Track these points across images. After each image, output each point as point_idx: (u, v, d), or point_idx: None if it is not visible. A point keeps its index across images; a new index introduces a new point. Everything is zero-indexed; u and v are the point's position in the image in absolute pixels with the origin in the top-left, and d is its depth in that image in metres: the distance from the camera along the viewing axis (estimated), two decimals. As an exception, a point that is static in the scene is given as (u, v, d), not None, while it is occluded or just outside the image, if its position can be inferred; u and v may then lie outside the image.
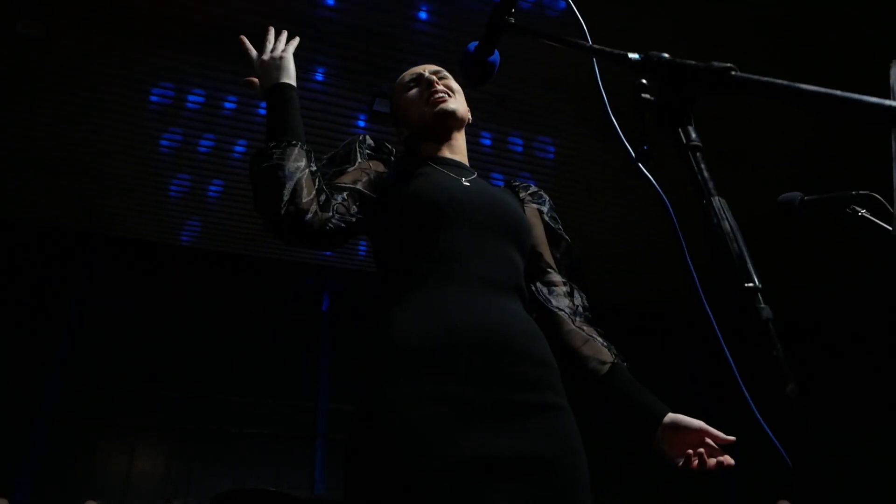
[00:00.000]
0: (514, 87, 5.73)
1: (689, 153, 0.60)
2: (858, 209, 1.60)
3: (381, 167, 1.30)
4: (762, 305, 0.49)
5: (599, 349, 1.21)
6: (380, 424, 0.96)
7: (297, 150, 1.11)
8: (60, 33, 4.94)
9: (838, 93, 0.44)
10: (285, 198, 1.06)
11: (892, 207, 1.11)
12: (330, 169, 1.25)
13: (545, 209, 1.40)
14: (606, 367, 1.18)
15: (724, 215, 0.54)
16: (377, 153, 1.33)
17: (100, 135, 5.77)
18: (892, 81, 1.15)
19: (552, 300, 1.28)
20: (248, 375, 6.55)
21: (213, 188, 6.42)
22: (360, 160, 1.26)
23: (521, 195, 1.42)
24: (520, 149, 6.32)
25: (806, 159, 6.24)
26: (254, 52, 1.28)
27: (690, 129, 0.61)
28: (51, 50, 5.02)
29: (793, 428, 0.44)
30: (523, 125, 6.09)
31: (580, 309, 1.29)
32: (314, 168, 1.14)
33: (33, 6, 4.74)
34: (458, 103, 1.37)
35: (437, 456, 0.91)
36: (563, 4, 5.27)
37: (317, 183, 1.12)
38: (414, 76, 1.42)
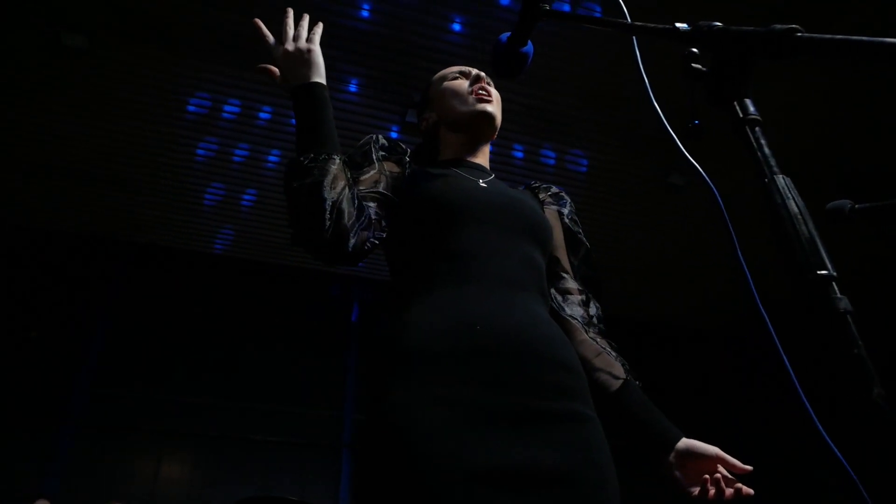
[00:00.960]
0: (545, 98, 5.68)
1: (748, 127, 0.53)
2: (913, 219, 1.49)
3: (395, 168, 1.23)
4: (839, 296, 0.41)
5: (612, 363, 1.14)
6: (388, 430, 0.89)
7: (336, 165, 1.03)
8: (102, 44, 5.03)
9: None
10: (328, 222, 0.99)
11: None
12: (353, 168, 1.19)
13: (566, 211, 1.34)
14: (619, 382, 1.12)
15: (789, 195, 0.47)
16: (391, 154, 1.26)
17: (135, 144, 5.85)
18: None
19: (566, 307, 1.22)
20: (275, 384, 6.54)
21: (246, 197, 6.47)
22: (376, 163, 1.19)
23: (540, 196, 1.36)
24: (552, 161, 6.25)
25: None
26: (271, 38, 1.18)
27: (748, 102, 0.54)
28: (91, 61, 5.12)
29: (883, 443, 0.36)
30: (556, 136, 6.02)
31: (594, 319, 1.22)
32: (351, 184, 1.07)
33: (76, 18, 4.84)
34: (498, 110, 1.32)
35: (446, 464, 0.83)
36: (597, 16, 5.21)
37: (356, 202, 1.05)
38: (461, 69, 1.38)
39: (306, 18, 1.19)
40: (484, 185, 1.21)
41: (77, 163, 6.00)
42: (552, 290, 1.22)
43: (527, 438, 0.88)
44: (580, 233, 1.31)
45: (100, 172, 6.10)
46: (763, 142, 0.50)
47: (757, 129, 0.51)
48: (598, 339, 1.17)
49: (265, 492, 6.00)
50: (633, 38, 0.77)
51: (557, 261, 1.26)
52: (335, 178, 1.02)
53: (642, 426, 1.07)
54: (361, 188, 1.13)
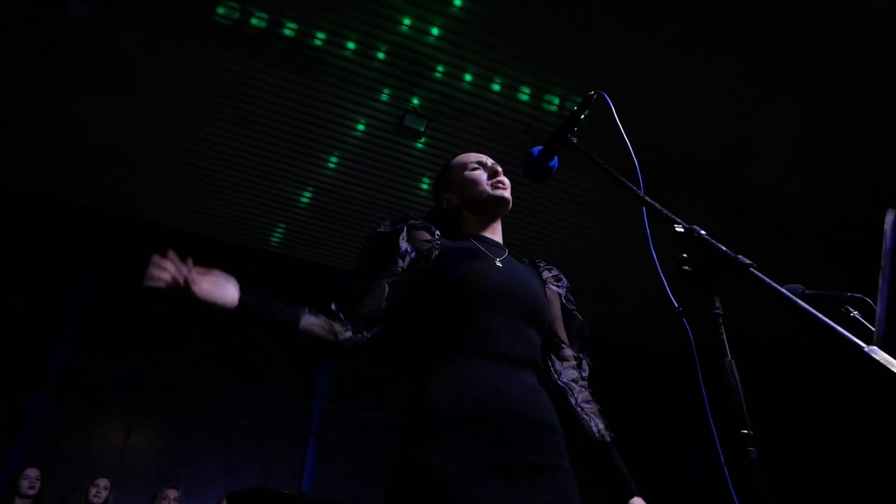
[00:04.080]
0: (535, 117, 5.98)
1: (714, 319, 0.82)
2: (851, 310, 1.82)
3: (424, 235, 1.51)
4: (751, 448, 0.71)
5: (595, 423, 1.48)
6: (418, 473, 1.21)
7: (304, 317, 1.37)
8: (110, 18, 5.18)
9: (824, 320, 0.67)
10: (327, 349, 1.36)
11: (874, 326, 1.33)
12: (372, 257, 1.48)
13: (563, 292, 1.67)
14: (599, 440, 1.46)
15: (733, 374, 0.77)
16: (418, 228, 1.53)
17: (136, 120, 6.01)
18: (885, 227, 1.37)
19: (563, 374, 1.55)
20: (248, 369, 6.76)
21: (236, 181, 6.65)
22: (401, 245, 1.46)
23: (543, 276, 1.66)
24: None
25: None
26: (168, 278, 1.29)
27: (716, 299, 0.84)
28: (98, 34, 5.26)
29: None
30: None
31: (583, 383, 1.56)
32: (323, 317, 1.39)
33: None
34: (510, 193, 1.60)
35: (463, 503, 1.14)
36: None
37: (343, 315, 1.39)
38: (478, 160, 1.66)
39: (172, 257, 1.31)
40: (500, 264, 1.51)
41: (69, 133, 6.14)
42: (552, 357, 1.55)
43: (519, 485, 1.20)
44: (574, 310, 1.65)
45: (92, 144, 6.25)
46: (722, 330, 0.80)
47: (719, 320, 0.81)
48: (586, 406, 1.50)
49: (231, 473, 6.25)
50: (643, 208, 1.05)
51: (556, 332, 1.60)
52: (308, 328, 1.38)
53: (610, 475, 1.42)
54: (374, 282, 1.43)
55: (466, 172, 1.64)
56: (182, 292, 1.28)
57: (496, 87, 5.82)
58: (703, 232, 0.88)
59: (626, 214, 6.81)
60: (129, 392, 6.30)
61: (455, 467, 1.18)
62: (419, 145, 6.33)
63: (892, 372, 0.65)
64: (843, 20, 4.93)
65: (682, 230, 0.90)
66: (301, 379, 7.03)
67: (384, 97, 5.92)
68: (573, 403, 1.48)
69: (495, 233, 1.64)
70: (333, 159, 6.47)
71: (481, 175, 1.62)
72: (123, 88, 5.74)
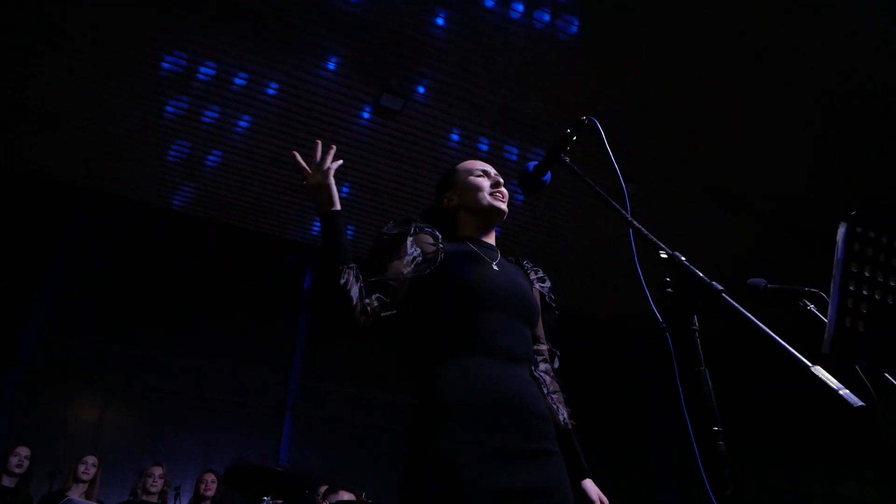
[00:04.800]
0: (516, 100, 6.12)
1: (692, 334, 1.00)
2: (808, 303, 2.03)
3: (428, 239, 1.66)
4: (721, 443, 0.89)
5: (561, 412, 1.71)
6: (432, 457, 1.39)
7: (352, 273, 1.48)
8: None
9: (782, 343, 0.84)
10: (351, 313, 1.45)
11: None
12: (380, 257, 1.61)
13: (546, 291, 1.86)
14: (563, 426, 1.68)
15: (707, 381, 0.95)
16: (423, 231, 1.68)
17: (107, 94, 5.98)
18: (837, 238, 1.56)
19: (540, 366, 1.76)
20: (225, 344, 6.87)
21: (211, 158, 6.67)
22: (408, 249, 1.61)
23: (531, 276, 1.84)
24: (514, 157, 6.72)
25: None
26: (304, 165, 1.60)
27: (695, 317, 1.01)
28: (70, 5, 5.21)
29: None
30: (521, 135, 6.49)
31: (553, 374, 1.79)
32: (363, 286, 1.51)
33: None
34: (506, 206, 1.76)
35: (475, 484, 1.34)
36: (574, 29, 5.66)
37: (365, 296, 1.50)
38: (483, 168, 1.82)
39: (332, 151, 1.62)
40: (496, 268, 1.68)
41: (43, 107, 6.08)
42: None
43: (520, 469, 1.39)
44: (555, 306, 1.85)
45: (66, 119, 6.20)
46: (698, 343, 0.98)
47: (696, 335, 0.98)
48: (554, 396, 1.71)
49: (207, 448, 6.39)
50: (630, 230, 1.22)
51: (537, 329, 1.79)
52: (354, 281, 1.47)
53: (569, 458, 1.62)
54: (387, 276, 1.56)
55: (471, 177, 1.79)
56: (320, 171, 1.56)
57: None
58: (683, 258, 1.05)
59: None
60: (105, 368, 6.35)
61: (464, 452, 1.35)
62: (395, 123, 6.42)
63: (830, 386, 0.83)
64: (835, 14, 5.17)
65: (665, 255, 1.07)
66: (277, 354, 7.16)
67: (361, 75, 5.99)
68: (545, 393, 1.67)
69: (489, 236, 1.81)
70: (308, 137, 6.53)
71: (484, 182, 1.77)
72: (97, 65, 5.70)
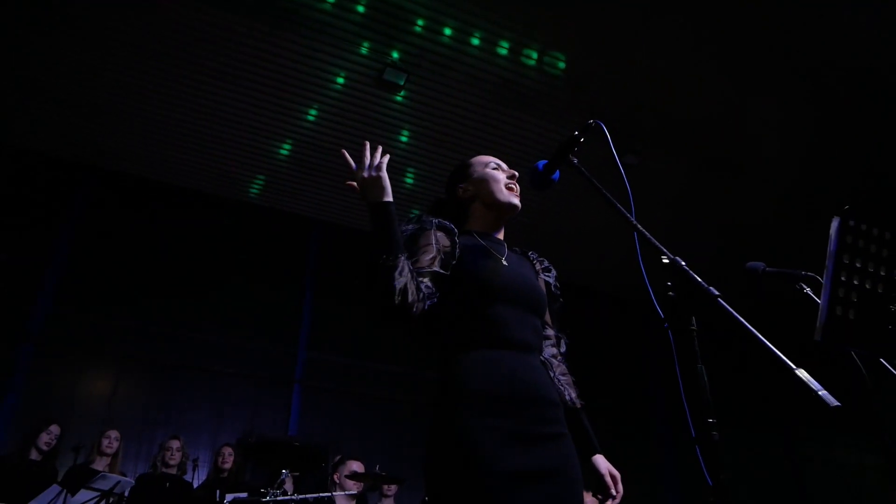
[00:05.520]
0: (518, 73, 6.17)
1: (691, 334, 1.11)
2: (805, 287, 2.13)
3: (446, 241, 1.75)
4: (714, 433, 1.01)
5: (570, 393, 1.83)
6: (455, 439, 1.52)
7: (402, 261, 1.56)
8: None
9: (769, 346, 0.95)
10: (398, 299, 1.51)
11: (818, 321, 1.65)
12: (411, 251, 1.69)
13: (551, 280, 1.97)
14: (571, 407, 1.80)
15: (703, 376, 1.06)
16: (442, 228, 1.77)
17: (112, 70, 6.02)
18: (830, 231, 1.67)
19: (545, 351, 1.87)
20: (233, 317, 7.03)
21: (215, 132, 6.74)
22: (433, 243, 1.71)
23: (537, 267, 1.95)
24: (512, 132, 6.79)
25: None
26: (353, 164, 1.68)
27: (693, 318, 1.12)
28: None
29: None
30: (524, 108, 6.55)
31: (561, 358, 1.90)
32: (412, 272, 1.59)
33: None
34: (520, 202, 1.85)
35: (494, 466, 1.46)
36: (578, 1, 5.66)
37: (416, 282, 1.58)
38: (497, 163, 1.91)
39: (379, 149, 1.68)
40: (506, 262, 1.79)
41: (50, 83, 6.14)
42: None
43: (534, 451, 1.52)
44: (559, 294, 1.96)
45: (71, 96, 6.26)
46: (696, 342, 1.08)
47: (694, 335, 1.09)
48: (562, 378, 1.83)
49: (217, 419, 6.59)
50: (634, 234, 1.32)
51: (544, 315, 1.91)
52: (401, 271, 1.56)
53: (579, 435, 1.75)
54: (421, 267, 1.65)
55: (487, 169, 1.89)
56: (372, 169, 1.62)
57: (475, 42, 5.96)
58: (683, 263, 1.16)
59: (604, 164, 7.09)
60: (116, 343, 6.52)
61: (484, 435, 1.48)
62: (399, 98, 6.47)
63: (810, 388, 0.94)
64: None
65: (667, 261, 1.17)
66: (285, 328, 7.33)
67: (364, 50, 6.02)
68: (552, 376, 1.79)
69: (499, 231, 1.91)
70: (313, 112, 6.59)
71: (501, 175, 1.87)
72: (102, 41, 5.74)
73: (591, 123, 1.57)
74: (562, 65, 6.16)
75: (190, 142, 6.86)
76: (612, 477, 1.73)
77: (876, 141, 6.61)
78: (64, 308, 6.43)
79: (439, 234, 1.75)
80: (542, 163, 1.68)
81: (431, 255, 1.68)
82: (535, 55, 6.09)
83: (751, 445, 8.50)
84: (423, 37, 5.90)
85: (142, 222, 7.08)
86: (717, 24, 5.63)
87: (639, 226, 1.30)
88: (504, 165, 1.91)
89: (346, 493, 4.89)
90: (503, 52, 6.06)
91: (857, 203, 1.59)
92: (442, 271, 1.67)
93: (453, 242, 1.74)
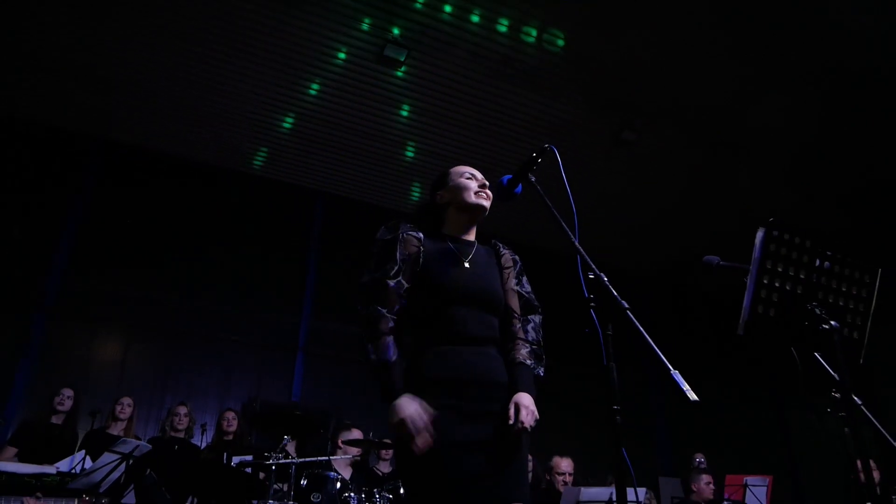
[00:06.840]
0: (519, 49, 6.36)
1: (606, 338, 1.40)
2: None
3: (413, 242, 2.04)
4: (618, 418, 1.30)
5: (522, 354, 2.06)
6: None
7: (395, 356, 1.89)
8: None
9: (657, 352, 1.24)
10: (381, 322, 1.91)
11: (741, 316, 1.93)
12: (384, 258, 2.00)
13: (516, 269, 2.22)
14: (512, 361, 2.04)
15: (613, 373, 1.35)
16: (409, 237, 2.05)
17: (122, 43, 6.25)
18: (756, 240, 1.94)
19: (518, 334, 2.13)
20: (238, 287, 7.37)
21: (219, 105, 6.97)
22: (398, 261, 1.99)
23: (502, 259, 2.21)
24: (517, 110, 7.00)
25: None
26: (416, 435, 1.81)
27: (610, 325, 1.41)
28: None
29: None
30: (525, 84, 6.75)
31: (529, 334, 2.13)
32: (392, 338, 1.92)
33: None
34: (489, 204, 2.13)
35: (446, 437, 1.78)
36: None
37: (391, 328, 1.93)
38: (471, 173, 2.18)
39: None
40: (468, 265, 2.06)
41: (60, 56, 6.37)
42: (505, 322, 2.13)
43: (482, 425, 1.85)
44: (524, 280, 2.21)
45: (77, 69, 6.49)
46: (610, 345, 1.36)
47: (610, 339, 1.38)
48: (525, 349, 2.06)
49: (224, 385, 6.98)
50: (577, 256, 1.59)
51: (508, 304, 2.16)
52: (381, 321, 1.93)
53: (510, 382, 1.97)
54: (392, 279, 1.95)
55: (461, 179, 2.17)
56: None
57: (475, 19, 6.15)
58: (605, 279, 1.43)
59: (601, 140, 7.32)
60: (125, 311, 6.87)
61: (440, 414, 1.80)
62: (399, 74, 6.68)
63: (682, 389, 1.22)
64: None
65: (592, 276, 1.45)
66: (288, 297, 7.67)
67: (365, 27, 6.22)
68: (514, 354, 2.07)
69: (470, 232, 2.19)
70: (315, 86, 6.81)
71: (472, 184, 2.15)
72: (107, 14, 5.95)
73: (546, 147, 1.83)
74: (561, 42, 6.36)
75: (197, 115, 7.11)
76: (517, 406, 1.90)
77: (881, 128, 6.80)
78: (75, 278, 6.77)
79: (407, 239, 2.03)
80: (506, 177, 1.95)
81: (398, 267, 1.97)
82: (534, 32, 6.28)
83: (741, 413, 8.88)
84: (424, 13, 6.10)
85: (150, 194, 7.37)
86: (715, 2, 5.80)
87: (580, 247, 1.57)
88: (478, 175, 2.18)
89: (345, 457, 5.25)
90: (503, 29, 6.25)
91: (780, 217, 1.85)
92: (404, 282, 1.97)
93: (418, 249, 2.02)
